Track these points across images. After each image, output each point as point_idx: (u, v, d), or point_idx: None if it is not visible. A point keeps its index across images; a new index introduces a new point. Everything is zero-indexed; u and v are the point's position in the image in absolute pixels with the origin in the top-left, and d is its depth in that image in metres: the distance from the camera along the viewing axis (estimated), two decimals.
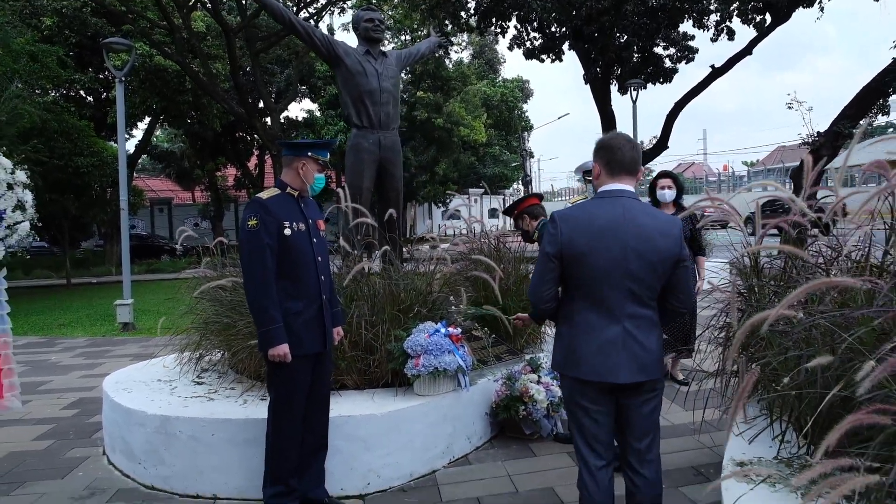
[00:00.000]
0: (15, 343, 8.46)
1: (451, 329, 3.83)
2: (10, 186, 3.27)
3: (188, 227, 5.41)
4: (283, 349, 2.84)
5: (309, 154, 3.04)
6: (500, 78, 35.75)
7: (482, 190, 29.39)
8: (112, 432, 3.97)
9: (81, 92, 21.46)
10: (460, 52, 32.19)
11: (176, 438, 3.50)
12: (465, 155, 28.94)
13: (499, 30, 16.35)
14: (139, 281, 15.09)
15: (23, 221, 3.30)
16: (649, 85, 17.47)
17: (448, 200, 30.20)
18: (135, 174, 28.25)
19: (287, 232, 2.94)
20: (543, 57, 18.43)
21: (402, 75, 27.42)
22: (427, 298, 4.14)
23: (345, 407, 3.55)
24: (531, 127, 36.78)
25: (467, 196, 26.15)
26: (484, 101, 30.70)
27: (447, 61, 27.31)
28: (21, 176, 3.32)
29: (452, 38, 23.83)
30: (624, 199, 2.33)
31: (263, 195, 3.01)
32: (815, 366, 1.98)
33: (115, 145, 25.92)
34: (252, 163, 28.68)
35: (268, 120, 16.67)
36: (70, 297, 14.06)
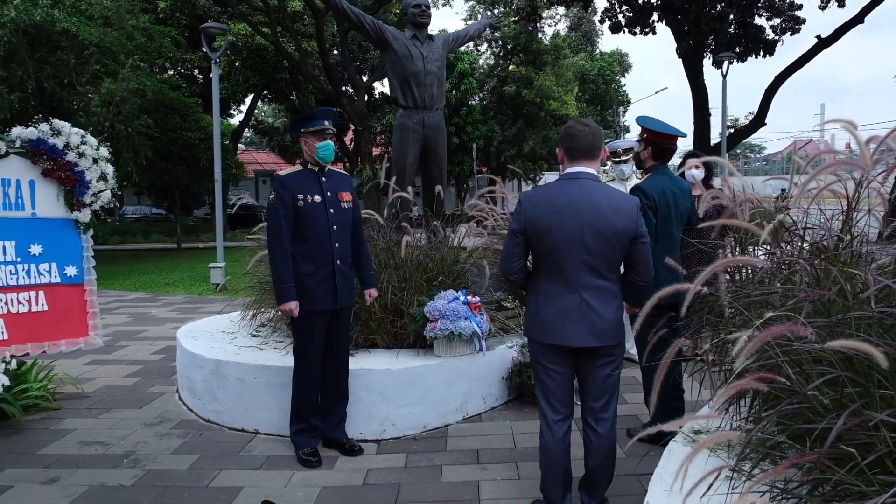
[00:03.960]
0: (125, 297, 9.65)
1: (469, 297, 4.14)
2: (95, 161, 3.89)
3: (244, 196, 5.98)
4: (291, 305, 3.30)
5: (303, 130, 3.44)
6: (598, 51, 34.82)
7: None
8: (181, 372, 4.62)
9: (194, 71, 23.25)
10: (555, 25, 31.62)
11: (226, 379, 4.07)
12: (555, 130, 28.60)
13: (582, 3, 16.05)
14: (237, 247, 16.35)
15: (105, 190, 3.91)
16: (749, 58, 16.55)
17: (538, 178, 30.08)
18: (242, 147, 30.27)
19: (300, 203, 3.35)
20: (636, 30, 17.89)
21: (494, 50, 27.54)
22: (452, 269, 4.46)
23: (369, 362, 3.97)
24: (628, 101, 35.65)
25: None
26: (580, 75, 30.11)
27: (540, 34, 27.01)
28: (104, 152, 3.94)
29: (542, 13, 23.52)
30: (582, 181, 2.55)
31: (282, 172, 3.45)
32: (735, 339, 2.13)
33: (226, 120, 27.87)
34: (348, 137, 29.87)
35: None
36: (178, 260, 15.54)
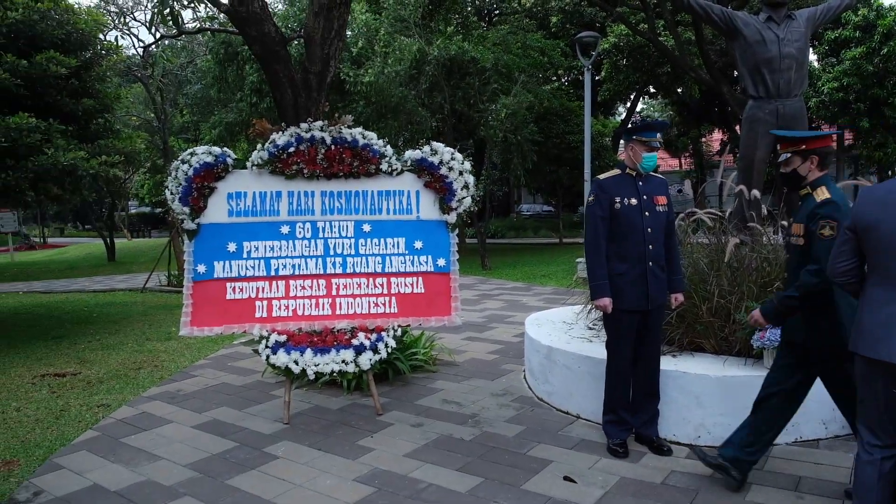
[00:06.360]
0: (505, 286, 11.10)
1: None
2: (460, 173, 4.77)
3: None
4: (604, 301, 3.50)
5: (634, 138, 3.54)
6: None
7: None
8: (526, 355, 5.28)
9: (580, 76, 24.74)
10: None
11: (555, 364, 4.52)
12: None
13: None
14: None
15: (466, 197, 4.76)
16: None
17: None
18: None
19: (617, 206, 3.53)
20: None
21: None
22: None
23: (688, 365, 3.92)
24: None
25: None
26: None
27: None
28: (467, 165, 4.78)
29: None
30: None
31: (602, 176, 3.67)
32: None
33: (612, 119, 28.84)
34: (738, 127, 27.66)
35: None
36: (556, 254, 16.91)
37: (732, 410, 3.66)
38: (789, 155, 2.95)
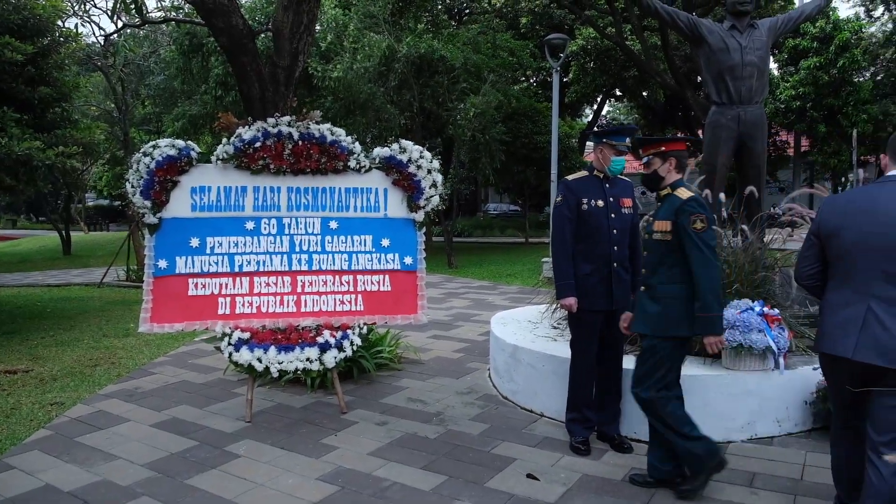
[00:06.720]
0: (471, 284, 11.13)
1: (767, 309, 3.81)
2: (429, 171, 4.76)
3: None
4: (570, 301, 3.54)
5: (604, 141, 3.59)
6: None
7: None
8: (491, 353, 5.31)
9: (548, 78, 24.96)
10: None
11: (520, 363, 4.56)
12: None
13: None
14: None
15: (434, 195, 4.76)
16: None
17: None
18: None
19: (584, 207, 3.57)
20: None
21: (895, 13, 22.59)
22: (751, 277, 4.12)
23: None
24: None
25: None
26: None
27: None
28: (435, 164, 4.78)
29: None
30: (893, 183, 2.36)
31: (570, 177, 3.71)
32: None
33: (579, 121, 29.17)
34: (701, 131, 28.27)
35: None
36: (522, 254, 17.05)
37: (691, 408, 3.68)
38: (650, 157, 3.17)
